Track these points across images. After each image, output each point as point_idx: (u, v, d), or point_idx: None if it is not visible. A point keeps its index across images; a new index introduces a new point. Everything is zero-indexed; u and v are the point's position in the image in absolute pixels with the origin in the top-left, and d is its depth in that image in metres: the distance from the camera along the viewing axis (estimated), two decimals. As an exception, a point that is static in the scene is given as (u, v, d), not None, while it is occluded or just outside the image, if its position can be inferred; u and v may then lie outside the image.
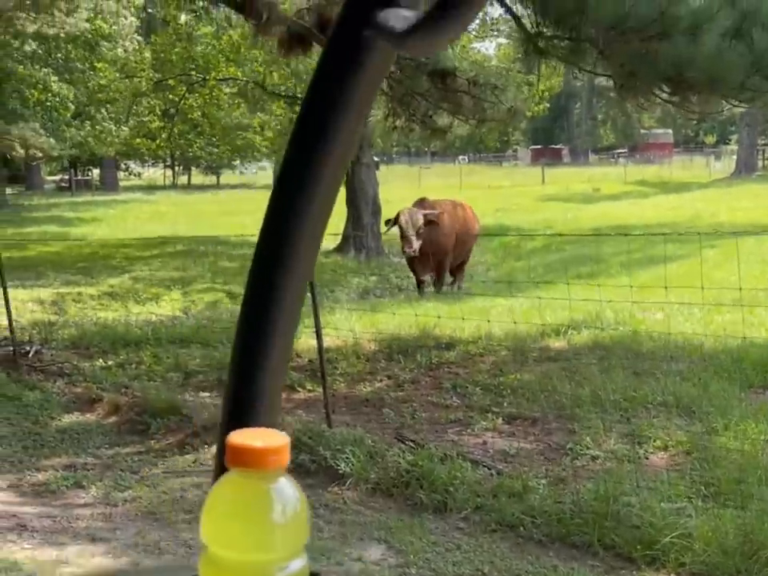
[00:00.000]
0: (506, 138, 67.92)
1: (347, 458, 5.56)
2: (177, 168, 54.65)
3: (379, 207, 20.31)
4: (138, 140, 30.84)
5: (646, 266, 13.93)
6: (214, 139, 32.40)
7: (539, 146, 68.12)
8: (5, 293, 9.30)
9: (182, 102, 24.02)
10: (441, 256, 13.89)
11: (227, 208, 32.60)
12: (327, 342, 10.52)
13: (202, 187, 50.97)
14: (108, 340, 11.36)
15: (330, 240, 21.43)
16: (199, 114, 27.46)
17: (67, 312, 13.88)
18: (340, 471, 5.52)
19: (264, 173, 66.61)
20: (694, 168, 51.34)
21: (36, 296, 14.97)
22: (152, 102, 27.08)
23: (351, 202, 20.30)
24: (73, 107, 29.43)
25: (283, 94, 22.32)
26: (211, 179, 55.19)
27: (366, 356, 9.48)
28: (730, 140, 64.78)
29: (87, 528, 5.05)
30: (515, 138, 69.80)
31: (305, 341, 10.47)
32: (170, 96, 24.74)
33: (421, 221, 12.97)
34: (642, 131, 68.39)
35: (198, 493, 5.53)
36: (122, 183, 52.58)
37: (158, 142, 27.45)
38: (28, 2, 23.68)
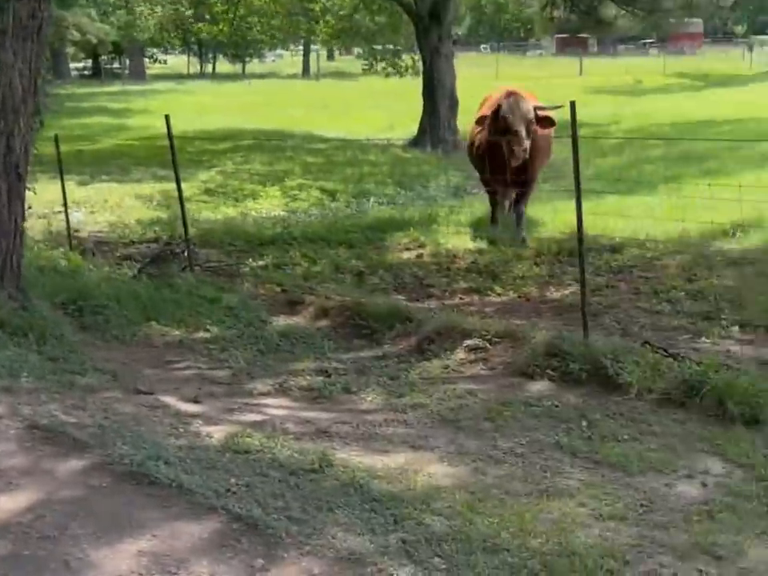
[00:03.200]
0: (529, 27, 66.21)
1: (626, 366, 5.58)
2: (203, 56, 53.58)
3: (457, 101, 19.86)
4: (200, 25, 30.01)
5: (761, 164, 13.70)
6: (273, 22, 31.61)
7: (565, 35, 66.39)
8: (178, 186, 9.21)
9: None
10: (536, 167, 10.38)
11: (270, 99, 32.09)
12: (461, 243, 10.45)
13: (229, 76, 50.10)
14: (240, 238, 11.30)
15: (400, 131, 21.16)
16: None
17: (169, 209, 13.63)
18: (620, 381, 5.53)
19: (282, 61, 65.28)
20: (730, 60, 50.34)
21: (135, 192, 14.80)
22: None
23: (428, 94, 19.91)
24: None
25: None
26: (236, 68, 54.25)
27: (528, 258, 9.43)
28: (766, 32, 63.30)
29: (393, 434, 5.06)
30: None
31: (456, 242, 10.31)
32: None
33: (531, 114, 9.58)
34: (671, 20, 66.63)
35: (477, 400, 5.55)
36: (147, 71, 51.73)
37: (220, 26, 26.71)
38: None
